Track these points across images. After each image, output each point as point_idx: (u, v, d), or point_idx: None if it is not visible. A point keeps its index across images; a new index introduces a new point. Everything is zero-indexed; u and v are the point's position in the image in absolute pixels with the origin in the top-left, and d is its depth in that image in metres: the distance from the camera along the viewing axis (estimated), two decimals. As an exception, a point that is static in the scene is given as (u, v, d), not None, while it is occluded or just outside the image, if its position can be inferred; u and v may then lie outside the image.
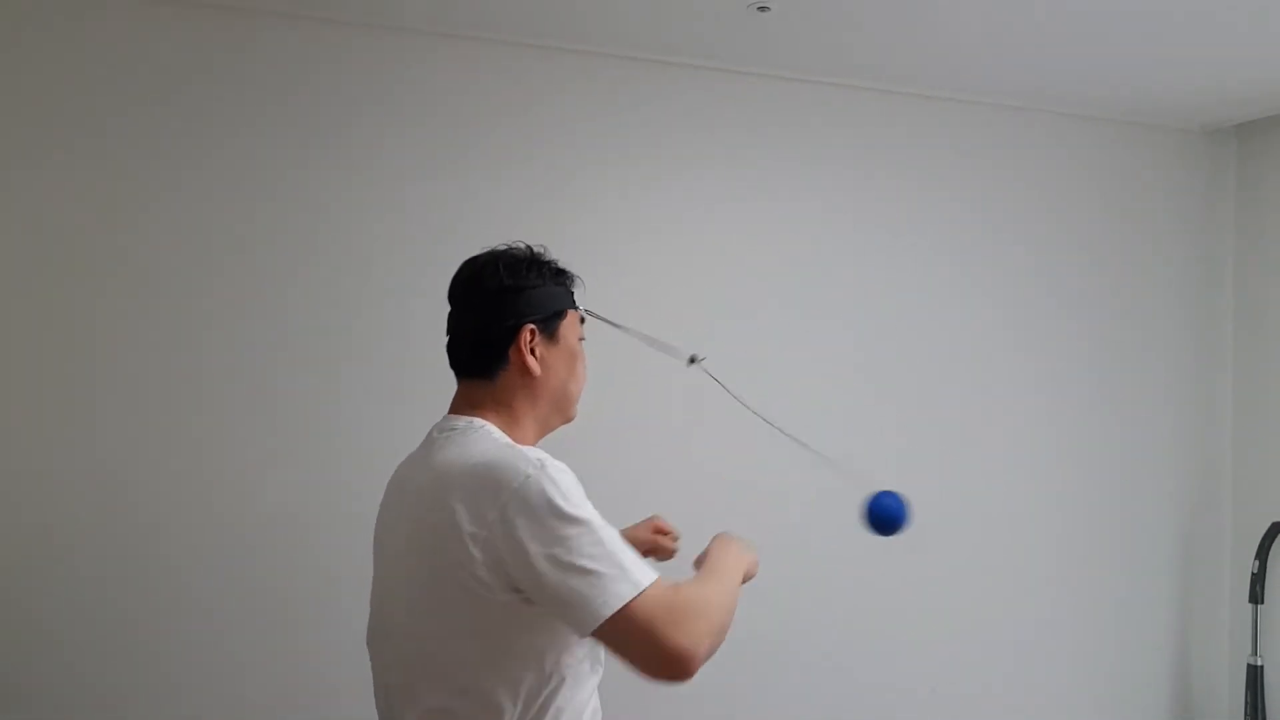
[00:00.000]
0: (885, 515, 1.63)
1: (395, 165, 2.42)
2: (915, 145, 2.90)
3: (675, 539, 1.72)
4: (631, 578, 1.15)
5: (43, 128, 2.19)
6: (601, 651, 1.31)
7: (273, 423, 2.32)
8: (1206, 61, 2.61)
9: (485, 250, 1.41)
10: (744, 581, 1.37)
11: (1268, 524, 3.06)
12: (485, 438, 1.28)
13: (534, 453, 1.22)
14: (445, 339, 1.41)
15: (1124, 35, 2.42)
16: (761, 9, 2.27)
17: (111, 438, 2.22)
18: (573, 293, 1.45)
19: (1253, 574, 3.05)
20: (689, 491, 2.62)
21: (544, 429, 1.42)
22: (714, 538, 1.41)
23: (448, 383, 1.41)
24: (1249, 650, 3.06)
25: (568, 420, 1.45)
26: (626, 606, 1.13)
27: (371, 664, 1.36)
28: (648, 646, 1.13)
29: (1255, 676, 3.04)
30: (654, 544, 1.69)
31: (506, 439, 1.30)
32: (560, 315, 1.39)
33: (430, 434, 1.37)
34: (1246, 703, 3.06)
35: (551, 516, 1.15)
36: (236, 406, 2.30)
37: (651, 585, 1.15)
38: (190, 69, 2.28)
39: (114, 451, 2.22)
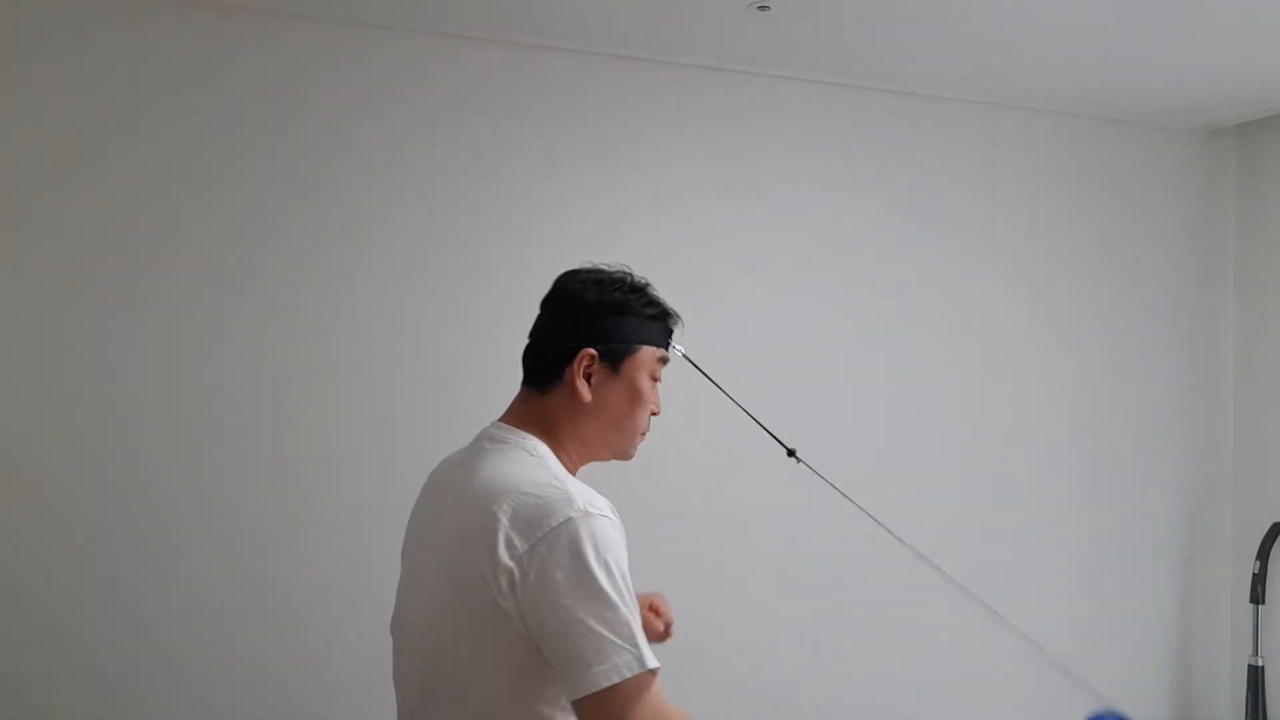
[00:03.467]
0: None
1: (393, 165, 2.41)
2: (915, 145, 2.89)
3: (668, 623, 1.58)
4: (640, 654, 1.08)
5: (39, 129, 2.18)
6: None
7: (276, 422, 2.32)
8: (1206, 61, 2.61)
9: (588, 264, 1.38)
10: None
11: (1269, 524, 3.06)
12: (539, 465, 1.23)
13: (585, 496, 1.17)
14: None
15: (1124, 35, 2.42)
16: (761, 9, 2.27)
17: (118, 438, 2.21)
18: (669, 332, 1.40)
19: (1254, 574, 3.04)
20: (704, 497, 2.62)
21: (588, 458, 1.36)
22: None
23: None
24: (1250, 651, 3.06)
25: (622, 458, 1.39)
26: (625, 682, 1.06)
27: (393, 650, 1.34)
28: None
29: (1256, 677, 3.03)
30: (644, 622, 1.52)
31: (558, 467, 1.25)
32: (632, 350, 1.33)
33: (480, 440, 1.33)
34: (1247, 703, 3.05)
35: (578, 568, 1.10)
36: (240, 407, 2.29)
37: (654, 674, 1.08)
38: (188, 69, 2.28)
39: (123, 451, 2.21)
